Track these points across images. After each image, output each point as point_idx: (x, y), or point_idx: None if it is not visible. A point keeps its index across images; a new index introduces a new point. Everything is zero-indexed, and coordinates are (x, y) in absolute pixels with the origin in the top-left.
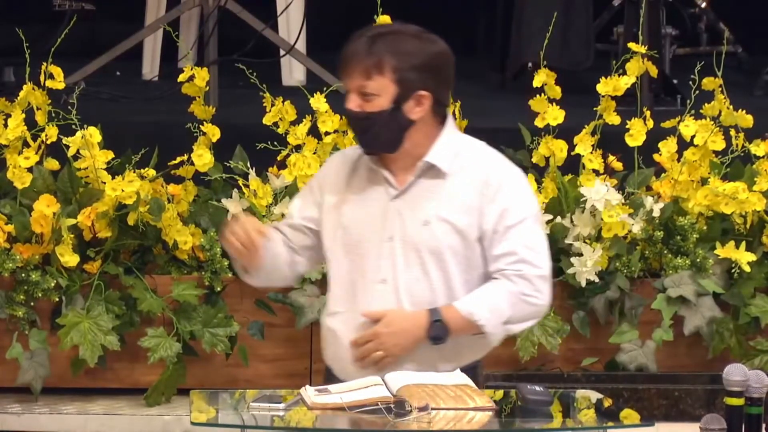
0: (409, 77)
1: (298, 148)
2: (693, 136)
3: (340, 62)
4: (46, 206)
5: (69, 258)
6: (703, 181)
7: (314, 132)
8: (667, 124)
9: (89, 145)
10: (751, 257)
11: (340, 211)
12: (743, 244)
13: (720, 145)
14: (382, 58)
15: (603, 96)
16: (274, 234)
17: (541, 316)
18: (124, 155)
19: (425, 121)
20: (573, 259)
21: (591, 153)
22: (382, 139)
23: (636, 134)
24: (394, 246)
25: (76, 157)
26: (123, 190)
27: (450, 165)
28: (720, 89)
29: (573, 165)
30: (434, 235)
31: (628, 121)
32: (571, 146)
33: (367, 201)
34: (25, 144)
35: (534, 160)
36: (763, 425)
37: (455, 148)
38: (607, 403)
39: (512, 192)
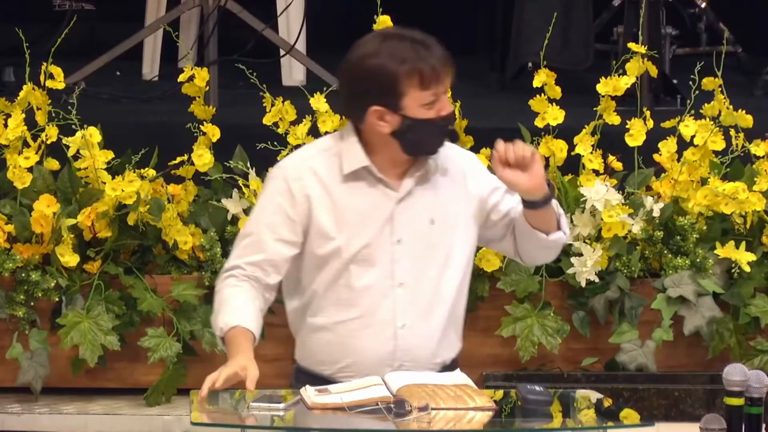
0: None
1: (298, 148)
2: (693, 136)
3: (425, 72)
4: (46, 206)
5: (69, 258)
6: (703, 181)
7: (314, 132)
8: (667, 124)
9: (89, 145)
10: (751, 257)
11: (340, 219)
12: (743, 244)
13: (720, 145)
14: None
15: (603, 96)
16: (249, 298)
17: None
18: (124, 155)
19: None
20: (573, 259)
21: (591, 153)
22: None
23: (636, 134)
24: (404, 248)
25: (76, 157)
26: (123, 190)
27: (435, 163)
28: (720, 89)
29: (573, 165)
30: (443, 231)
31: (628, 121)
32: (571, 146)
33: (369, 207)
34: (25, 144)
35: None
36: (763, 425)
37: None
38: (607, 403)
39: (483, 166)
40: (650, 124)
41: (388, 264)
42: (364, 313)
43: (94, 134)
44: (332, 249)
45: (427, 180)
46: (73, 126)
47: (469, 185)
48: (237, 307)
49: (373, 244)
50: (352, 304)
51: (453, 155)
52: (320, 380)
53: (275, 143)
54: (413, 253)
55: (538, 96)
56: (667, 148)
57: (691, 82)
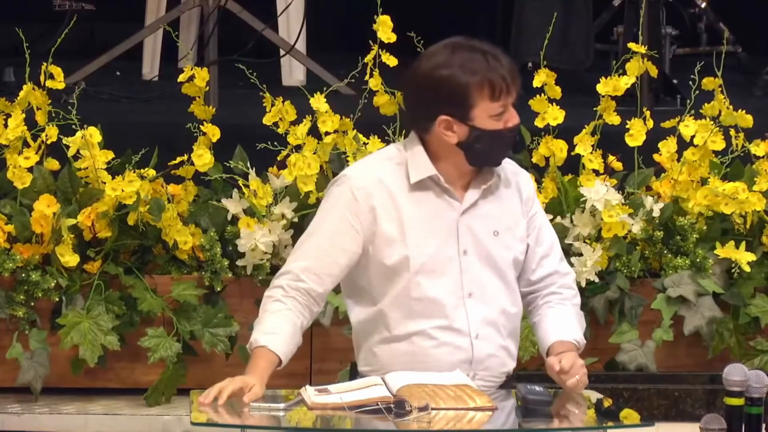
0: None
1: (298, 148)
2: (693, 136)
3: (500, 81)
4: (46, 206)
5: (69, 258)
6: (703, 181)
7: (314, 132)
8: (667, 124)
9: (89, 145)
10: (751, 257)
11: (408, 230)
12: (743, 244)
13: (720, 145)
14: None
15: (603, 96)
16: (288, 319)
17: None
18: (124, 155)
19: None
20: (573, 259)
21: (591, 153)
22: None
23: (636, 134)
24: (470, 260)
25: (76, 157)
26: (123, 190)
27: (498, 175)
28: (720, 89)
29: (573, 165)
30: (506, 244)
31: (628, 121)
32: (571, 146)
33: (436, 218)
34: (25, 144)
35: (534, 160)
36: (763, 425)
37: None
38: (607, 403)
39: (535, 196)
40: (650, 124)
41: (457, 275)
42: (440, 324)
43: (94, 134)
44: (400, 258)
45: (491, 192)
46: (73, 126)
47: (524, 209)
48: (273, 326)
49: (440, 254)
50: (427, 315)
51: (510, 168)
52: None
53: (275, 143)
54: (479, 264)
55: (538, 96)
56: (667, 148)
57: (691, 82)
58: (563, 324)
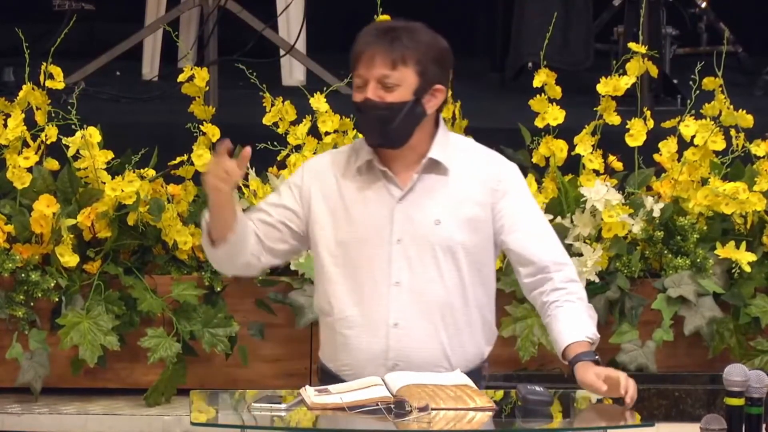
0: (430, 70)
1: (298, 148)
2: (693, 136)
3: (356, 53)
4: (46, 206)
5: (69, 258)
6: (704, 181)
7: (314, 132)
8: (667, 124)
9: (89, 145)
10: (752, 257)
11: (342, 214)
12: (743, 244)
13: (720, 145)
14: (407, 50)
15: (603, 96)
16: (247, 220)
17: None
18: (124, 155)
19: (430, 117)
20: (573, 260)
21: (591, 153)
22: (397, 132)
23: (636, 134)
24: (404, 248)
25: (76, 157)
26: (123, 190)
27: (450, 160)
28: (720, 89)
29: (573, 165)
30: (448, 233)
31: (628, 121)
32: (571, 146)
33: (371, 203)
34: (25, 144)
35: (534, 160)
36: (763, 425)
37: (451, 144)
38: (607, 402)
39: (520, 187)
40: (650, 124)
41: (386, 263)
42: (359, 310)
43: (93, 134)
44: (328, 242)
45: (438, 181)
46: (73, 126)
47: (495, 197)
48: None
49: (372, 240)
50: (351, 300)
51: (488, 160)
52: (329, 375)
53: (275, 143)
54: (413, 253)
55: (538, 96)
56: (668, 148)
57: (691, 82)
58: (574, 323)
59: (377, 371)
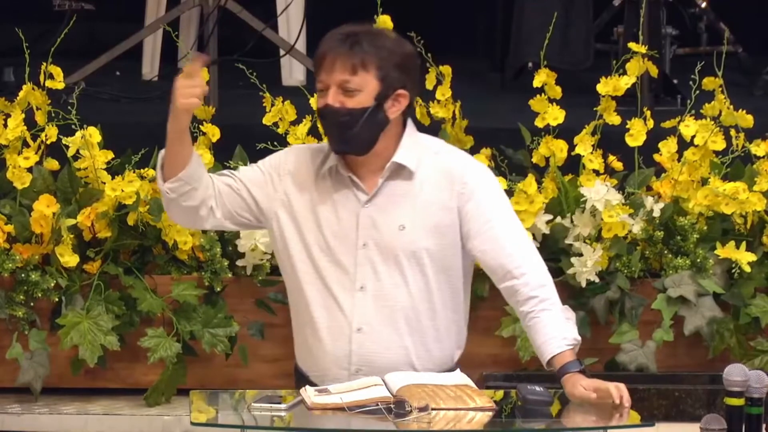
0: (392, 75)
1: None
2: (693, 136)
3: (318, 59)
4: (46, 206)
5: (69, 258)
6: (704, 181)
7: (314, 132)
8: (668, 124)
9: (89, 145)
10: (752, 257)
11: (310, 217)
12: (743, 244)
13: (720, 145)
14: (367, 54)
15: (603, 96)
16: (203, 167)
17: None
18: (124, 155)
19: (395, 121)
20: (573, 260)
21: (591, 153)
22: (359, 138)
23: (636, 134)
24: (369, 253)
25: (76, 157)
26: (123, 190)
27: (417, 165)
28: (720, 89)
29: (573, 165)
30: (412, 239)
31: (628, 121)
32: (571, 146)
33: (338, 207)
34: (25, 144)
35: (534, 160)
36: (764, 425)
37: (419, 147)
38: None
39: (487, 190)
40: (650, 124)
41: (351, 267)
42: (324, 314)
43: (94, 134)
44: (298, 246)
45: (403, 186)
46: (73, 126)
47: (461, 200)
48: None
49: (338, 245)
50: (317, 303)
51: (453, 162)
52: (303, 377)
53: (275, 143)
54: (377, 259)
55: (538, 96)
56: (668, 148)
57: (691, 82)
58: (552, 333)
59: (339, 374)
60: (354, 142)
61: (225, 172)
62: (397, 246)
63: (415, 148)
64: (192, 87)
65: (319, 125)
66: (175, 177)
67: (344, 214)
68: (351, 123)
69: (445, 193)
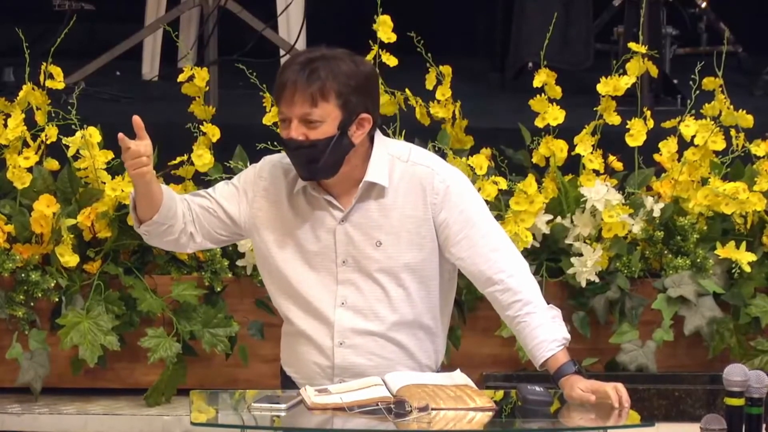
0: (352, 100)
1: None
2: (693, 136)
3: (277, 90)
4: (46, 206)
5: (69, 258)
6: (704, 181)
7: None
8: (668, 124)
9: (89, 145)
10: (752, 257)
11: (288, 233)
12: (743, 244)
13: (720, 145)
14: (325, 84)
15: (603, 96)
16: (175, 201)
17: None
18: None
19: (361, 142)
20: (573, 259)
21: (591, 153)
22: (326, 166)
23: (636, 134)
24: (349, 269)
25: (76, 157)
26: (123, 190)
27: (389, 179)
28: (720, 89)
29: (573, 165)
30: (389, 254)
31: (628, 121)
32: (572, 146)
33: (315, 225)
34: (25, 144)
35: (534, 160)
36: (764, 425)
37: (389, 161)
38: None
39: (460, 196)
40: (650, 124)
41: (332, 284)
42: (307, 327)
43: (93, 134)
44: (275, 263)
45: (377, 202)
46: (73, 126)
47: (434, 210)
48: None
49: (318, 262)
50: (298, 318)
51: (422, 171)
52: (286, 378)
53: (275, 143)
54: (358, 275)
55: (538, 96)
56: (668, 148)
57: (691, 82)
58: (542, 336)
59: (323, 383)
60: (321, 171)
61: (200, 192)
62: (375, 262)
63: (385, 162)
64: (137, 158)
65: None
66: (149, 221)
67: (321, 232)
68: (316, 154)
69: (419, 204)
